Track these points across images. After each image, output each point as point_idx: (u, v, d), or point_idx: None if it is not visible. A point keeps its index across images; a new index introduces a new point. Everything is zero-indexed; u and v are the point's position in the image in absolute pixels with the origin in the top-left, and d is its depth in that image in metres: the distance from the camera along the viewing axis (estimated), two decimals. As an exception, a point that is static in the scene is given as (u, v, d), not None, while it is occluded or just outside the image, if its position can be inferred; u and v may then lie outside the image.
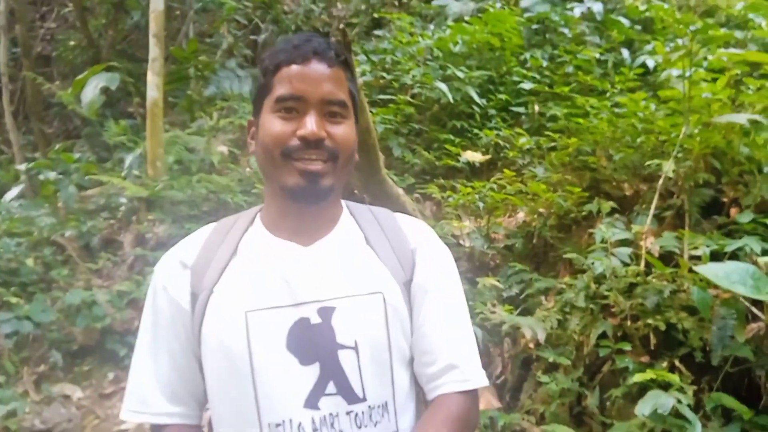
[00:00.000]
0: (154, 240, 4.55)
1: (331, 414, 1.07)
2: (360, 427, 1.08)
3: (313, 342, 1.08)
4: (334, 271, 1.13)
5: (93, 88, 5.29)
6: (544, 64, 4.61)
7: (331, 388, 1.08)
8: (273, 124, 1.10)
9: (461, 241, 3.51)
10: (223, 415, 1.13)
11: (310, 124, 1.08)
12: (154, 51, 5.07)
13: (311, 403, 1.07)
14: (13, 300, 3.92)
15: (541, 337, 2.71)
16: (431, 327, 1.15)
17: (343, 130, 1.12)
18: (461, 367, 1.14)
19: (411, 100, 4.61)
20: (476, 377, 1.16)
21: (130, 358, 4.17)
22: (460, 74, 4.55)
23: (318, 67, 1.10)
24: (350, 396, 1.09)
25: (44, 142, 7.18)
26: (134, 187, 4.78)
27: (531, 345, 2.88)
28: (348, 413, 1.08)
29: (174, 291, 1.15)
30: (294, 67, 1.10)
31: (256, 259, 1.14)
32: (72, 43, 8.48)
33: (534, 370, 2.86)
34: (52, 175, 5.25)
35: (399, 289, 1.15)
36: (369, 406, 1.10)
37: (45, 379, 3.70)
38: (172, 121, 6.35)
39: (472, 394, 1.16)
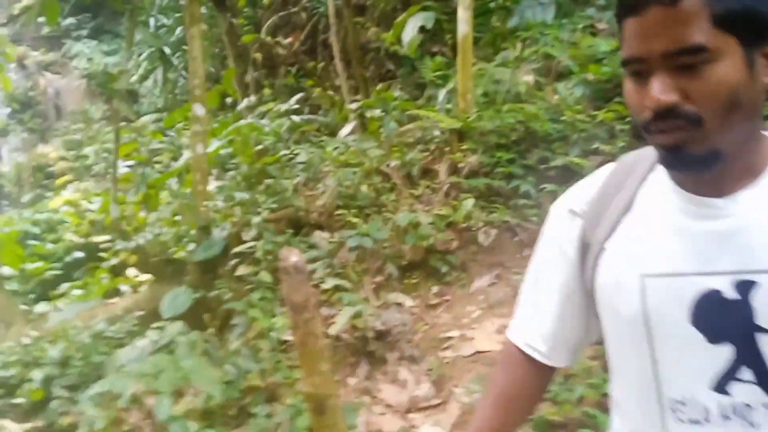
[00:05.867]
0: (467, 168, 4.86)
1: (744, 403, 0.92)
2: None
3: (726, 319, 0.92)
4: (761, 235, 0.91)
5: (411, 28, 5.74)
6: None
7: (746, 374, 0.91)
8: (627, 92, 0.93)
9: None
10: (621, 381, 1.08)
11: (655, 90, 0.87)
12: (464, -15, 5.26)
13: (720, 386, 0.93)
14: (354, 220, 4.59)
15: None
16: None
17: (705, 83, 0.85)
18: None
19: None
20: None
21: (451, 275, 4.45)
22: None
23: (655, 13, 0.85)
24: None
25: (364, 85, 8.02)
26: (448, 120, 5.12)
27: None
28: (766, 406, 0.91)
29: (562, 240, 1.12)
30: (631, 21, 0.88)
31: (656, 213, 0.99)
32: (385, -12, 9.19)
33: None
34: (375, 112, 5.92)
35: None
36: None
37: (382, 288, 4.29)
38: (477, 55, 6.57)
39: None
